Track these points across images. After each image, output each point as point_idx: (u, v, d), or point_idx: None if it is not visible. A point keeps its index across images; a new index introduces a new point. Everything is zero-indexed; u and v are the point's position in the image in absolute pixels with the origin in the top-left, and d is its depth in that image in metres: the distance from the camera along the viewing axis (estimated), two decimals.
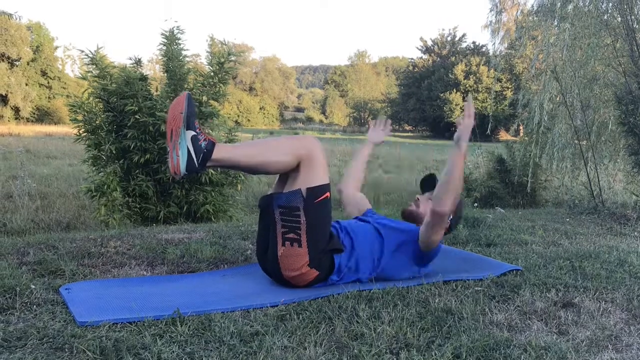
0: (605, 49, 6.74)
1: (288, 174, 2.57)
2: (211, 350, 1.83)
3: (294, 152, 2.51)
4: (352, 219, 2.95)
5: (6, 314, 2.09)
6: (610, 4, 6.73)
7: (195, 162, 2.35)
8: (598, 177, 6.74)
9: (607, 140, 7.25)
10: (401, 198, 11.15)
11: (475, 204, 8.50)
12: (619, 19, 6.63)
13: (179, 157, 2.32)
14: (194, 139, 2.35)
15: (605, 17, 6.75)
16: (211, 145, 2.39)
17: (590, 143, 6.90)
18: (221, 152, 2.42)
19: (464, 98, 47.05)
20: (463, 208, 2.98)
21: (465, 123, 2.53)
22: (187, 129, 2.34)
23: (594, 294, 2.56)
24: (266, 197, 2.65)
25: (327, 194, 2.57)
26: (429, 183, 2.99)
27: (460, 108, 46.34)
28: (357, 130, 61.15)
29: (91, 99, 6.12)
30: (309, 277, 2.56)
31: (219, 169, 6.03)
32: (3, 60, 41.77)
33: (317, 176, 2.53)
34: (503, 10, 10.16)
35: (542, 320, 2.22)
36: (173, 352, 1.79)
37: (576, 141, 7.15)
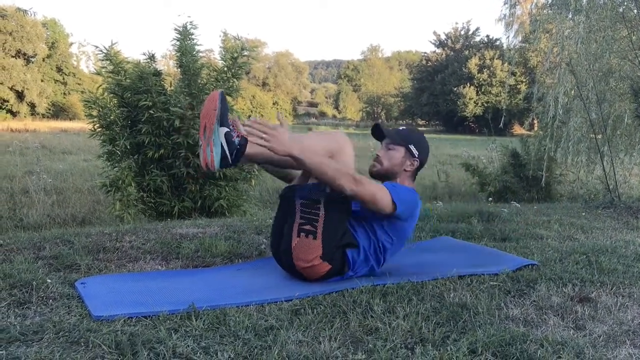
0: (621, 41, 6.68)
1: None
2: (226, 344, 1.83)
3: (326, 147, 2.54)
4: None
5: (23, 308, 2.11)
6: None
7: (229, 157, 2.37)
8: (614, 171, 6.68)
9: (622, 134, 7.19)
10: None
11: (490, 199, 8.46)
12: (635, 11, 6.56)
13: (213, 152, 2.34)
14: (228, 135, 2.37)
15: (621, 9, 6.69)
16: (244, 141, 2.41)
17: (605, 137, 6.85)
18: (254, 147, 2.43)
19: (477, 92, 46.82)
20: (422, 141, 2.89)
21: (272, 144, 2.35)
22: (220, 126, 2.36)
23: (611, 289, 2.54)
24: (289, 187, 2.66)
25: None
26: (378, 133, 2.91)
27: (466, 102, 46.15)
28: (371, 124, 60.99)
29: (105, 94, 6.13)
30: (320, 270, 2.57)
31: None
32: (19, 56, 42.06)
33: None
34: (517, 4, 10.08)
35: (558, 315, 2.20)
36: (188, 346, 1.79)
37: (591, 135, 7.09)
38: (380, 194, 2.56)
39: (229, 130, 2.39)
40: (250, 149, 2.43)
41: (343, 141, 2.64)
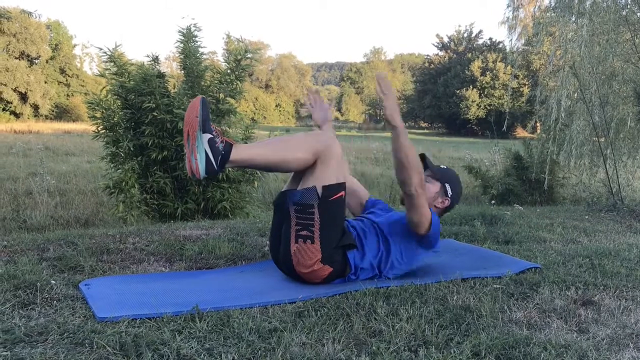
0: (624, 44, 6.68)
1: (304, 170, 2.58)
2: (230, 346, 1.84)
3: (311, 149, 2.52)
4: (357, 219, 2.90)
5: (27, 309, 2.12)
6: None
7: (214, 164, 2.36)
8: (617, 174, 6.67)
9: (626, 137, 7.18)
10: None
11: (492, 201, 8.46)
12: (639, 14, 6.55)
13: (197, 160, 2.33)
14: (211, 142, 2.36)
15: (624, 12, 6.68)
16: (228, 146, 2.40)
17: (609, 140, 6.84)
18: (239, 152, 2.43)
19: (480, 94, 46.80)
20: (458, 183, 2.98)
21: (387, 103, 2.55)
22: (203, 132, 2.36)
23: (614, 292, 2.54)
24: (281, 194, 2.66)
25: (342, 192, 2.58)
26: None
27: (469, 105, 46.09)
28: (373, 127, 61.04)
29: (109, 96, 6.15)
30: (322, 273, 2.57)
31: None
32: (23, 58, 42.20)
33: (333, 174, 2.54)
34: (520, 7, 10.08)
35: (561, 318, 2.20)
36: (192, 347, 1.80)
37: (594, 138, 7.09)
38: (427, 210, 2.64)
39: (212, 136, 2.37)
40: (235, 154, 2.42)
41: (330, 141, 2.60)
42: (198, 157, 2.34)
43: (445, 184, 2.89)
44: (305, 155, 2.53)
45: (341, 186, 2.57)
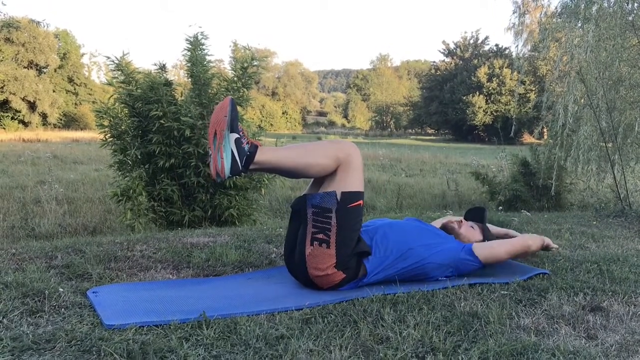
0: (631, 50, 6.65)
1: (324, 177, 2.59)
2: (237, 353, 1.84)
3: (333, 155, 2.54)
4: (370, 225, 2.90)
5: (35, 317, 2.12)
6: (636, 4, 6.64)
7: (239, 164, 2.37)
8: (625, 180, 6.65)
9: (633, 143, 7.14)
10: (424, 202, 11.10)
11: (500, 208, 8.43)
12: None
13: (224, 159, 2.34)
14: (238, 142, 2.38)
15: (631, 17, 6.66)
16: (254, 147, 2.42)
17: (616, 145, 6.81)
18: (263, 154, 2.44)
19: (486, 101, 46.77)
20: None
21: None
22: (231, 132, 2.37)
23: (623, 298, 2.52)
24: (300, 198, 2.67)
25: (361, 201, 2.59)
26: (476, 214, 3.28)
27: (475, 111, 45.98)
28: (379, 134, 61.11)
29: (117, 104, 6.17)
30: (334, 278, 2.57)
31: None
32: (31, 67, 42.46)
33: (353, 182, 2.56)
34: (526, 12, 10.07)
35: (570, 324, 2.19)
36: (199, 355, 1.80)
37: (602, 143, 7.05)
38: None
39: (239, 136, 2.39)
40: (260, 156, 2.43)
41: (352, 150, 2.62)
42: (224, 155, 2.34)
43: (486, 240, 3.15)
44: (327, 161, 2.54)
45: (360, 195, 2.59)
